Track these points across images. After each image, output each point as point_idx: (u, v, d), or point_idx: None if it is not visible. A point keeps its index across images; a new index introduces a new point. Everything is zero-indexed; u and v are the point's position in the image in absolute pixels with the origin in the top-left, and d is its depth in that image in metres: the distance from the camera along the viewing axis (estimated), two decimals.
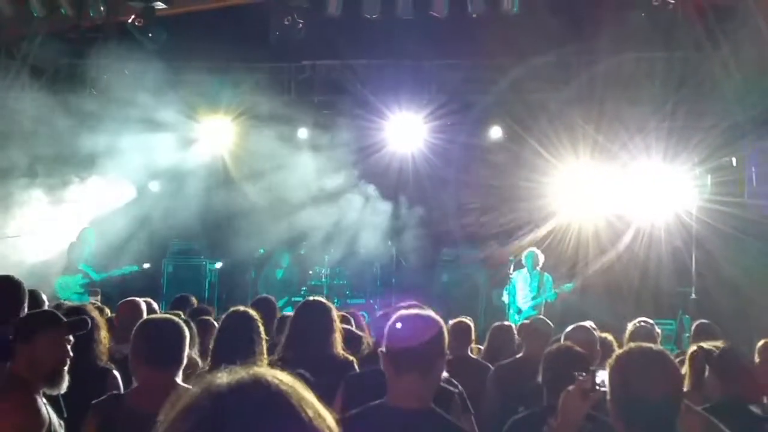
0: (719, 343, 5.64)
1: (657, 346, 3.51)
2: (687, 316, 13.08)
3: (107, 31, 15.72)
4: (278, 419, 1.53)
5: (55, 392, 4.34)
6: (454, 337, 8.01)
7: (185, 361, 4.48)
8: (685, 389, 5.83)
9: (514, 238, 15.63)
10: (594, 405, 3.53)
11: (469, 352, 8.15)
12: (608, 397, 3.26)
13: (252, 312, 5.61)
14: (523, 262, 14.48)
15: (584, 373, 3.61)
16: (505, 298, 14.35)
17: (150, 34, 13.77)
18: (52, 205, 15.63)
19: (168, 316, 5.05)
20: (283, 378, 1.59)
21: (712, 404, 4.69)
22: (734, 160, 13.98)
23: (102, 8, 13.41)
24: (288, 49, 15.12)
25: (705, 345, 5.57)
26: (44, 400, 4.29)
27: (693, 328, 9.07)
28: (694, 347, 5.72)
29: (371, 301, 15.85)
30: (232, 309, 5.68)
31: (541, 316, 9.44)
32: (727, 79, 14.39)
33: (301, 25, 13.05)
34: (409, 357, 3.53)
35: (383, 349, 3.62)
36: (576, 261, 15.63)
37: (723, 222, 13.74)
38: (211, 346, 5.45)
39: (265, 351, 5.53)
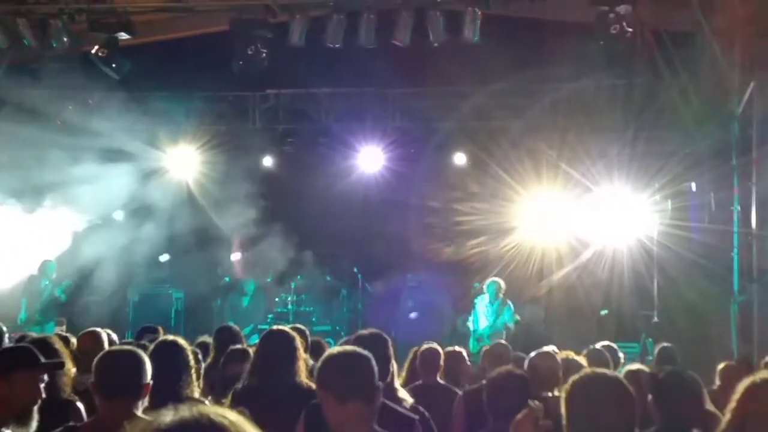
0: (644, 367, 5.75)
1: (612, 372, 3.57)
2: (650, 340, 13.21)
3: (71, 62, 15.69)
4: None
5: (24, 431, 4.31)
6: (423, 364, 8.15)
7: (144, 392, 4.43)
8: None
9: (478, 262, 15.73)
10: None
11: (438, 378, 8.21)
12: (564, 422, 3.31)
13: (181, 341, 5.64)
14: (485, 290, 14.63)
15: (536, 401, 3.67)
16: (470, 324, 14.48)
17: (113, 65, 13.75)
18: (15, 235, 15.53)
19: (127, 347, 5.05)
20: (226, 416, 1.63)
21: (653, 429, 4.74)
22: (693, 185, 14.18)
23: (65, 39, 13.38)
24: (252, 78, 15.16)
25: (634, 368, 5.69)
26: None
27: (656, 352, 9.19)
28: (629, 368, 5.80)
29: (337, 328, 15.88)
30: (160, 339, 5.69)
31: (502, 341, 9.53)
32: (686, 106, 14.60)
33: (264, 54, 13.10)
34: (351, 386, 3.61)
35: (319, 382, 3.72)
36: (539, 285, 15.75)
37: (683, 247, 13.90)
38: None
39: (194, 380, 5.54)
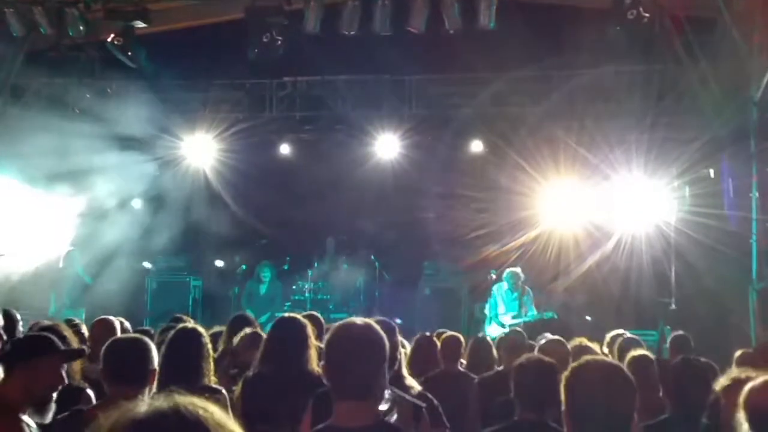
0: (646, 352, 5.71)
1: (612, 360, 3.55)
2: (668, 327, 13.14)
3: (89, 50, 15.77)
4: None
5: (41, 420, 4.34)
6: (444, 352, 8.15)
7: (150, 378, 4.52)
8: None
9: (496, 250, 15.67)
10: None
11: (459, 366, 8.21)
12: (563, 408, 3.30)
13: (200, 329, 5.69)
14: (503, 281, 14.69)
15: None
16: (487, 311, 14.51)
17: (129, 53, 13.82)
18: (34, 223, 15.62)
19: (133, 335, 5.09)
20: (202, 405, 1.63)
21: (663, 418, 4.72)
22: (712, 172, 14.07)
23: (81, 27, 13.44)
24: (269, 66, 15.17)
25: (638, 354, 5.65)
26: (29, 424, 4.30)
27: (669, 340, 9.14)
28: (633, 354, 5.77)
29: (354, 316, 15.85)
30: (180, 327, 5.74)
31: (518, 329, 9.51)
32: (705, 91, 14.49)
33: (279, 42, 13.09)
34: (344, 385, 3.58)
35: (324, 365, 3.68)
36: (557, 272, 15.69)
37: (702, 233, 13.81)
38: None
39: (212, 369, 5.58)
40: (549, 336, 7.63)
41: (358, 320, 3.88)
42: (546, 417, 4.41)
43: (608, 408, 3.18)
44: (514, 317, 14.36)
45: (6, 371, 4.38)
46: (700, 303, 13.46)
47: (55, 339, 4.59)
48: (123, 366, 4.46)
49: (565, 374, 3.35)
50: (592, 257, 15.39)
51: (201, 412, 1.61)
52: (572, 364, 3.40)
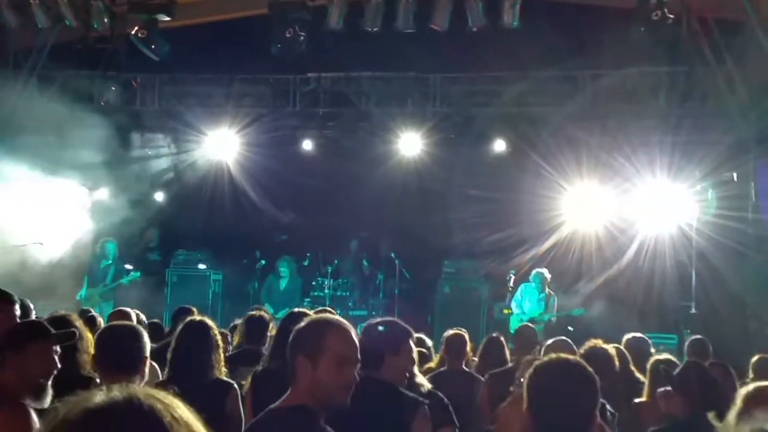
0: (663, 356, 5.65)
1: (574, 358, 3.54)
2: (687, 331, 13.03)
3: (115, 43, 15.88)
4: None
5: (39, 406, 4.36)
6: (448, 349, 8.15)
7: (144, 367, 4.56)
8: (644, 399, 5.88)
9: (517, 251, 15.62)
10: None
11: (464, 365, 8.20)
12: (524, 406, 3.29)
13: (209, 322, 5.70)
14: (531, 282, 14.86)
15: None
16: (515, 309, 14.55)
17: (153, 46, 13.89)
18: (58, 214, 15.73)
19: (125, 323, 5.11)
20: (158, 396, 1.62)
21: (673, 422, 4.67)
22: (735, 175, 13.93)
23: (106, 20, 13.55)
24: (293, 61, 15.21)
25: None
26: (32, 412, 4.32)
27: (687, 344, 9.07)
28: (653, 360, 5.72)
29: (374, 313, 15.88)
30: (189, 319, 5.76)
31: (530, 324, 9.51)
32: (731, 94, 14.37)
33: (302, 37, 13.12)
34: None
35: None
36: (579, 275, 15.61)
37: (726, 237, 13.71)
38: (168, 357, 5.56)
39: (221, 361, 5.61)
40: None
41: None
42: None
43: (566, 405, 3.16)
44: (540, 315, 14.51)
45: (3, 360, 4.38)
46: (722, 307, 13.34)
47: (46, 324, 4.61)
48: (115, 354, 4.49)
49: (528, 373, 3.34)
50: (614, 260, 15.29)
51: (156, 403, 1.59)
52: (535, 363, 3.39)
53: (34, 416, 4.22)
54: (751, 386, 4.10)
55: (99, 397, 1.60)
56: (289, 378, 3.62)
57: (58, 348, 4.51)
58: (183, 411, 1.62)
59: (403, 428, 4.37)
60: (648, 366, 6.02)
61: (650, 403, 5.77)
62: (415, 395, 4.72)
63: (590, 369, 3.32)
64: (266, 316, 7.46)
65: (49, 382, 4.39)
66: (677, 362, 6.24)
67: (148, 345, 4.61)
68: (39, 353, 4.35)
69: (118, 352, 4.49)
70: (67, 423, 1.57)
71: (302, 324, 3.74)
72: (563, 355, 3.45)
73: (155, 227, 17.34)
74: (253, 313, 7.43)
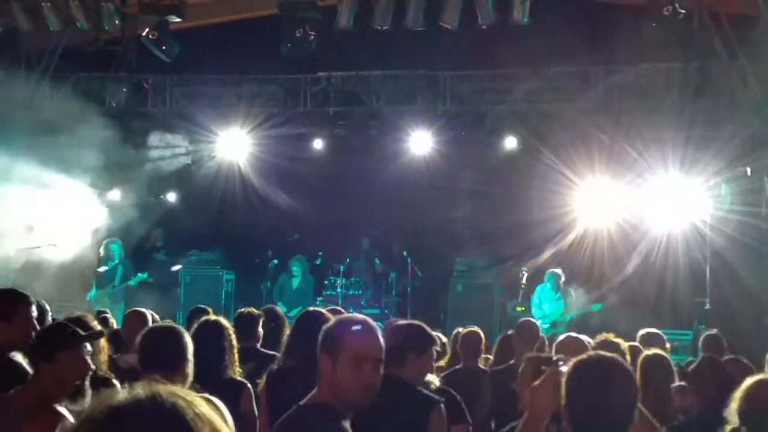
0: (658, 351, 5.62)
1: (614, 356, 3.52)
2: (702, 326, 12.98)
3: (126, 44, 15.94)
4: (169, 431, 1.56)
5: (79, 408, 4.36)
6: (463, 348, 8.13)
7: (187, 367, 4.61)
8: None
9: (529, 248, 15.58)
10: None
11: (479, 363, 8.18)
12: (563, 402, 3.27)
13: (223, 322, 5.71)
14: (546, 282, 14.90)
15: (561, 358, 3.57)
16: (534, 313, 14.56)
17: (164, 47, 13.93)
18: (70, 216, 15.77)
19: (168, 325, 5.14)
20: (180, 394, 1.62)
21: (688, 418, 4.65)
22: (749, 170, 13.87)
23: (117, 22, 13.60)
24: (303, 61, 15.22)
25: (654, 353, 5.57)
26: (65, 414, 4.33)
27: (701, 340, 9.02)
28: (647, 353, 5.70)
29: (386, 312, 15.88)
30: (203, 319, 5.78)
31: (530, 319, 9.47)
32: (743, 88, 14.31)
33: (312, 37, 13.13)
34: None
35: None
36: (592, 272, 15.56)
37: (740, 232, 13.65)
38: None
39: (236, 361, 5.62)
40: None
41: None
42: None
43: (610, 403, 3.16)
44: (561, 315, 14.59)
45: (33, 367, 4.43)
46: (736, 303, 13.27)
47: (72, 326, 4.61)
48: (159, 355, 4.57)
49: (567, 369, 3.31)
50: (626, 256, 15.24)
51: (179, 401, 1.59)
52: (575, 360, 3.36)
53: (71, 419, 4.23)
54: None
55: (122, 395, 1.60)
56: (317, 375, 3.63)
57: (89, 347, 4.55)
58: (205, 408, 1.62)
59: (420, 425, 4.36)
60: (638, 362, 5.99)
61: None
62: (431, 393, 4.72)
63: (628, 366, 3.30)
64: (255, 311, 7.44)
65: (87, 382, 4.44)
66: (667, 357, 6.21)
67: (190, 346, 4.67)
68: (70, 358, 4.36)
69: (162, 353, 4.57)
70: (92, 422, 1.57)
71: (330, 322, 3.76)
72: (602, 353, 3.44)
73: (165, 228, 17.37)
74: (242, 310, 7.41)
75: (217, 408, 4.39)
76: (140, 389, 1.61)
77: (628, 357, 6.31)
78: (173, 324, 4.96)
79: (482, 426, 6.36)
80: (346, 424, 3.52)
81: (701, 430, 4.64)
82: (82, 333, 4.56)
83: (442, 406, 4.59)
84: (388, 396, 3.98)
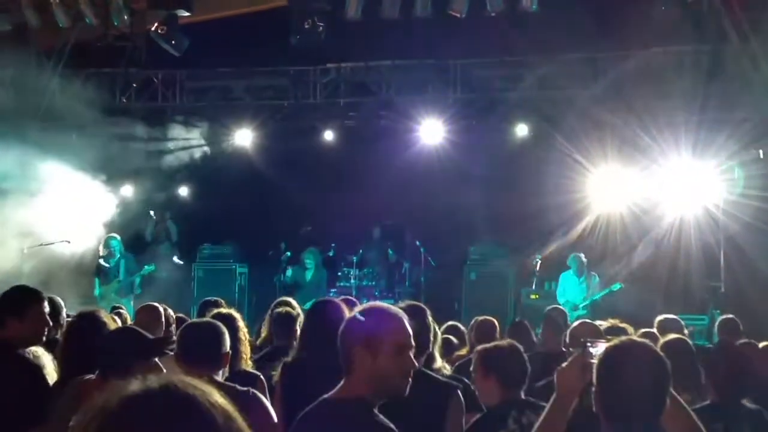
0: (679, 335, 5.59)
1: (647, 342, 3.50)
2: (717, 311, 12.93)
3: (135, 40, 15.96)
4: (185, 422, 1.55)
5: None
6: (477, 336, 8.13)
7: (223, 361, 4.71)
8: None
9: (542, 235, 15.55)
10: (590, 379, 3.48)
11: None
12: (593, 388, 3.26)
13: (235, 314, 5.84)
14: (569, 266, 14.85)
15: (589, 342, 3.55)
16: (559, 299, 14.52)
17: (173, 42, 13.94)
18: (82, 212, 15.82)
19: (207, 319, 5.21)
20: (194, 384, 1.61)
21: (702, 405, 4.63)
22: (761, 153, 13.79)
23: (126, 17, 13.62)
24: (312, 52, 15.20)
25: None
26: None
27: (717, 324, 8.99)
28: (668, 338, 5.66)
29: (400, 302, 15.82)
30: (215, 311, 5.79)
31: (558, 306, 9.45)
32: (755, 71, 14.22)
33: (321, 28, 13.13)
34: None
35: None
36: (605, 257, 15.50)
37: (753, 216, 13.58)
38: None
39: (248, 353, 5.64)
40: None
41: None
42: None
43: (640, 390, 3.13)
44: (584, 299, 14.53)
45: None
46: (750, 287, 13.20)
47: (146, 336, 4.59)
48: (198, 348, 4.62)
49: (599, 355, 3.30)
50: (639, 241, 15.20)
51: (192, 390, 1.58)
52: (607, 345, 3.34)
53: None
54: None
55: (135, 385, 1.59)
56: (344, 369, 3.59)
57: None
58: (219, 398, 1.62)
59: (438, 412, 4.36)
60: (659, 347, 5.95)
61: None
62: (448, 380, 4.73)
63: (660, 352, 3.28)
64: (293, 312, 7.42)
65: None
66: (689, 342, 6.18)
67: (228, 341, 4.75)
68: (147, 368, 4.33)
69: (200, 347, 4.63)
70: (105, 412, 1.56)
71: (355, 314, 3.72)
72: (634, 338, 3.43)
73: (177, 222, 17.40)
74: (280, 310, 7.38)
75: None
76: (153, 379, 1.60)
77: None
78: (212, 320, 5.02)
79: None
80: (381, 417, 3.52)
81: (714, 415, 4.62)
82: (154, 346, 4.59)
83: (460, 392, 4.60)
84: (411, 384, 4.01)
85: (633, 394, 3.13)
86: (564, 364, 3.52)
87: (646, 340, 3.64)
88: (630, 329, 6.34)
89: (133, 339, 4.60)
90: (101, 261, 15.39)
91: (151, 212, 17.11)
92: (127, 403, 1.55)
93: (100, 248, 15.41)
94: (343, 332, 3.61)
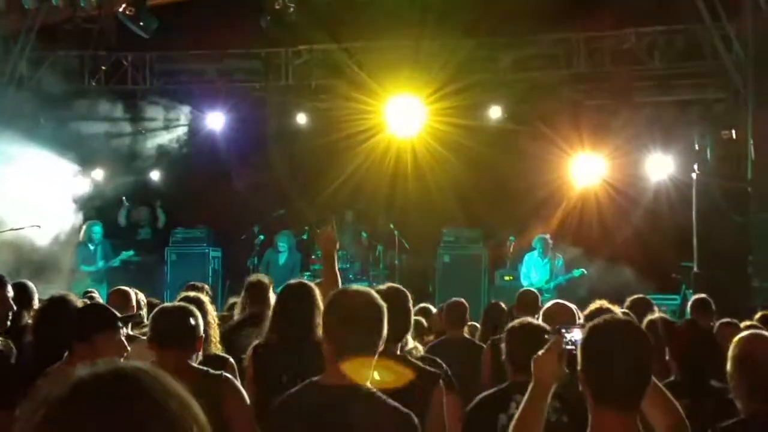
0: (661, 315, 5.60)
1: (627, 318, 3.50)
2: (690, 291, 12.98)
3: (103, 22, 15.75)
4: (135, 407, 1.50)
5: None
6: (447, 317, 8.16)
7: (197, 345, 4.68)
8: None
9: (516, 216, 15.56)
10: (567, 365, 3.45)
11: (464, 332, 8.24)
12: (579, 367, 3.23)
13: (203, 298, 5.86)
14: (534, 247, 14.91)
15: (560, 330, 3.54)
16: (523, 281, 14.55)
17: (141, 23, 13.76)
18: (53, 196, 15.64)
19: (180, 303, 5.18)
20: (146, 369, 1.57)
21: (668, 381, 4.63)
22: (734, 133, 13.85)
23: None
24: (284, 34, 15.08)
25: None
26: None
27: (690, 303, 9.00)
28: (650, 318, 5.66)
29: (374, 284, 15.78)
30: (182, 295, 5.77)
31: (531, 289, 9.48)
32: (727, 51, 14.28)
33: (292, 9, 13.00)
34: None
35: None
36: (580, 237, 15.54)
37: (726, 195, 13.61)
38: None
39: (217, 337, 5.62)
40: None
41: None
42: None
43: (628, 365, 3.11)
44: (546, 282, 14.57)
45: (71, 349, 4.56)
46: (723, 266, 13.24)
47: (113, 310, 4.73)
48: (171, 331, 4.59)
49: (583, 333, 3.27)
50: (613, 221, 15.25)
51: (144, 375, 1.53)
52: (589, 324, 3.31)
53: None
54: None
55: (84, 371, 1.53)
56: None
57: (124, 330, 4.72)
58: (173, 384, 1.56)
59: (423, 399, 4.33)
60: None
61: None
62: (431, 368, 4.72)
63: (644, 329, 3.26)
64: (265, 280, 7.45)
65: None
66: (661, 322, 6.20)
67: (202, 325, 4.74)
68: (107, 342, 4.49)
69: (173, 330, 4.60)
70: (52, 398, 1.50)
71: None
72: (616, 316, 3.41)
73: (148, 206, 17.29)
74: (252, 279, 7.45)
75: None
76: (102, 365, 1.55)
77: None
78: (185, 304, 4.99)
79: None
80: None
81: (678, 391, 4.63)
82: (119, 315, 4.70)
83: (441, 380, 4.59)
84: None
85: (617, 371, 3.10)
86: (540, 352, 3.50)
87: (628, 317, 3.63)
88: (617, 310, 6.33)
89: (97, 311, 4.79)
90: (81, 247, 15.29)
91: (124, 198, 16.98)
92: (74, 389, 1.50)
93: (81, 233, 15.29)
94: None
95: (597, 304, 6.52)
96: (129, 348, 4.58)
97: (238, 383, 4.67)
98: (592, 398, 3.17)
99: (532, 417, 3.45)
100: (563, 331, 3.46)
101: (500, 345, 6.88)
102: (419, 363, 4.78)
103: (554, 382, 3.46)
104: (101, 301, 8.66)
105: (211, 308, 5.79)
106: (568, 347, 3.42)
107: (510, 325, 5.06)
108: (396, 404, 3.58)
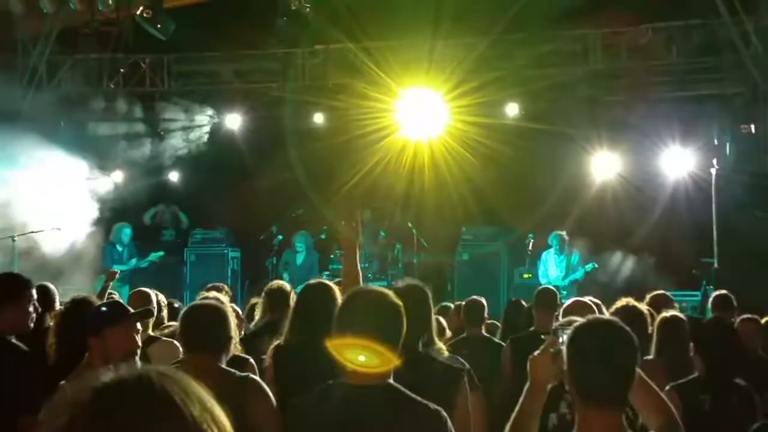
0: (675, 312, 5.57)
1: (612, 318, 3.54)
2: (710, 287, 12.91)
3: (121, 24, 15.84)
4: (157, 412, 1.50)
5: None
6: (466, 315, 8.15)
7: (228, 344, 4.63)
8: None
9: (535, 214, 15.50)
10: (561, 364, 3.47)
11: (483, 331, 8.23)
12: (564, 367, 3.26)
13: (222, 298, 5.86)
14: (550, 244, 14.90)
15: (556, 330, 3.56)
16: (541, 279, 14.55)
17: (159, 25, 13.82)
18: (74, 199, 15.73)
19: (211, 303, 5.17)
20: (169, 374, 1.56)
21: (692, 377, 4.62)
22: (753, 127, 13.77)
23: (110, 2, 13.49)
24: (300, 34, 15.10)
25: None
26: None
27: (711, 300, 8.96)
28: (663, 315, 5.65)
29: (393, 283, 15.77)
30: (201, 296, 5.77)
31: (550, 286, 9.45)
32: (745, 46, 14.20)
33: (308, 9, 13.02)
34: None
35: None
36: (599, 233, 15.48)
37: (745, 191, 13.54)
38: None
39: (236, 338, 5.61)
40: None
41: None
42: None
43: (607, 367, 3.14)
44: (563, 279, 14.58)
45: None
46: (743, 262, 13.16)
47: (125, 305, 4.83)
48: (201, 332, 4.54)
49: (569, 333, 3.29)
50: (632, 217, 15.19)
51: (167, 381, 1.53)
52: (575, 324, 3.33)
53: None
54: None
55: (108, 376, 1.54)
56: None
57: (139, 326, 4.73)
58: (196, 388, 1.56)
59: (447, 398, 4.33)
60: (656, 324, 5.95)
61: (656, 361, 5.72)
62: (455, 365, 4.72)
63: (627, 328, 3.28)
64: (286, 287, 7.44)
65: (136, 358, 4.66)
66: (683, 318, 6.18)
67: (232, 325, 4.68)
68: (118, 336, 4.54)
69: (203, 331, 4.55)
70: (76, 403, 1.50)
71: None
72: (601, 316, 3.41)
73: (170, 207, 17.37)
74: (272, 285, 7.44)
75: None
76: (126, 370, 1.55)
77: (649, 321, 6.26)
78: (216, 303, 4.98)
79: (503, 395, 6.32)
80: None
81: (702, 387, 4.62)
82: (131, 311, 4.75)
83: (466, 377, 4.59)
84: (412, 370, 3.99)
85: (600, 371, 3.13)
86: (536, 352, 3.53)
87: (614, 318, 3.65)
88: (643, 307, 6.31)
89: (108, 306, 4.90)
90: (109, 247, 15.41)
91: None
92: (98, 394, 1.51)
93: (111, 235, 15.43)
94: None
95: (623, 301, 6.52)
96: (140, 344, 4.62)
97: (263, 384, 4.65)
98: (577, 397, 3.22)
99: (527, 416, 3.48)
100: (560, 331, 3.47)
101: (521, 344, 6.94)
102: (443, 361, 4.78)
103: (549, 382, 3.48)
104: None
105: (230, 309, 5.78)
106: (563, 347, 3.44)
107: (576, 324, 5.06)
108: (424, 400, 3.60)
